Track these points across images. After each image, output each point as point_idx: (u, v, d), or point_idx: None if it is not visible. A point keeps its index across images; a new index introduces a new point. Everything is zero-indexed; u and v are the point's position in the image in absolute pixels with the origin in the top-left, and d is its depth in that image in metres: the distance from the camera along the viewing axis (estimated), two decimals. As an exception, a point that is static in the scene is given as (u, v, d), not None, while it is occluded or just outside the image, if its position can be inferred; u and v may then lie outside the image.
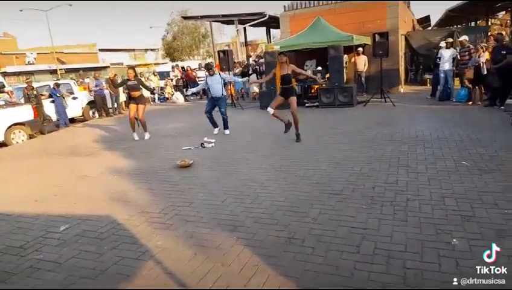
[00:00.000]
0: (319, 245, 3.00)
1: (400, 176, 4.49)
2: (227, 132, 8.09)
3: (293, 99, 6.70)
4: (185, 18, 30.08)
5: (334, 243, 3.02)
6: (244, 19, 17.95)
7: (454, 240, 2.90)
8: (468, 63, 9.49)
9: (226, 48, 20.85)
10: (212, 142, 7.11)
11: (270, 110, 6.77)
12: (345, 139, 6.70)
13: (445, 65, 10.08)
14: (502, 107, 8.25)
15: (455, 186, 4.01)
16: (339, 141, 6.55)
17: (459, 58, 10.04)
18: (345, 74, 11.21)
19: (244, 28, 20.10)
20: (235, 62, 16.30)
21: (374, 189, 4.12)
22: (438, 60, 10.48)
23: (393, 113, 9.17)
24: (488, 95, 9.16)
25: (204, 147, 6.95)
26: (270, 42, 21.59)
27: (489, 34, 13.03)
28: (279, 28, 15.77)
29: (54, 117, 11.72)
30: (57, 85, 11.85)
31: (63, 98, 11.74)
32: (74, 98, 12.68)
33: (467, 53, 9.80)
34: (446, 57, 10.09)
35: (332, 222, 3.39)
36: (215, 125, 8.22)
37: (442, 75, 10.20)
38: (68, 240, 3.51)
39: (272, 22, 18.58)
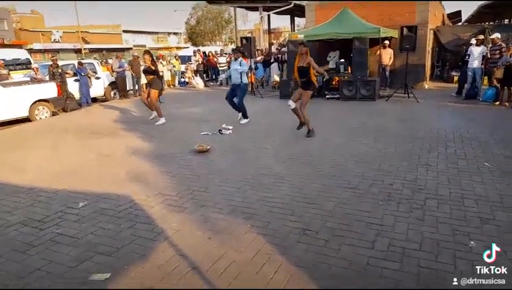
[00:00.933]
0: (333, 238, 2.99)
1: (419, 173, 4.41)
2: (243, 121, 7.91)
3: (306, 94, 6.38)
4: (210, 2, 29.97)
5: (349, 237, 3.00)
6: (269, 6, 17.75)
7: (472, 242, 2.84)
8: (498, 62, 9.14)
9: (249, 34, 20.69)
10: (230, 129, 7.12)
11: (292, 104, 6.48)
12: (364, 133, 6.60)
13: (474, 63, 9.73)
14: (531, 109, 7.95)
15: (476, 187, 3.91)
16: (358, 135, 6.46)
17: (489, 56, 9.67)
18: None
19: (268, 16, 19.91)
20: (257, 49, 16.19)
21: (392, 185, 4.07)
22: (467, 57, 10.13)
23: (416, 109, 8.96)
24: (517, 96, 8.83)
25: (222, 134, 6.98)
26: (294, 31, 21.33)
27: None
28: (304, 17, 15.53)
29: (77, 95, 11.95)
30: (81, 64, 12.04)
31: (89, 77, 11.94)
32: (97, 78, 12.87)
33: (497, 51, 9.43)
34: (476, 54, 9.74)
35: (347, 216, 3.37)
36: (238, 110, 8.11)
37: (470, 73, 9.86)
38: (86, 216, 3.61)
39: (296, 10, 18.32)
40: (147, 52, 8.58)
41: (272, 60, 15.37)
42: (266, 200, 3.81)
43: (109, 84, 13.36)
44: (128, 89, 13.79)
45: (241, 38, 13.47)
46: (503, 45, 9.50)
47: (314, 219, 3.35)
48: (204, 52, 19.03)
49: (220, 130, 7.07)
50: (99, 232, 3.27)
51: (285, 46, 14.42)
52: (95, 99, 12.91)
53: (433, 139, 6.00)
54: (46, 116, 9.99)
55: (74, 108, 11.42)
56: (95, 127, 8.29)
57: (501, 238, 2.87)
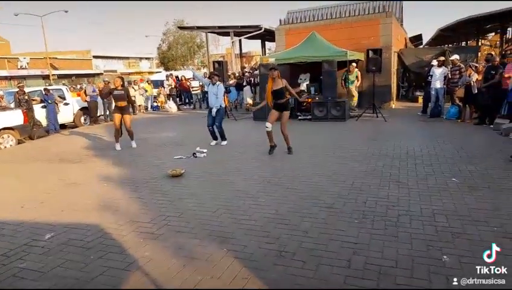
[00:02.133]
0: (310, 259, 2.97)
1: (391, 191, 4.50)
2: (223, 143, 8.03)
3: (286, 115, 6.67)
4: (181, 28, 30.34)
5: (325, 257, 2.99)
6: (239, 31, 18.14)
7: (445, 256, 2.90)
8: (459, 82, 9.66)
9: (221, 58, 20.94)
10: (204, 152, 7.07)
11: (269, 125, 6.65)
12: (336, 153, 6.72)
13: (437, 83, 10.25)
14: (491, 126, 8.38)
15: (445, 202, 4.03)
16: (331, 155, 6.57)
17: (449, 76, 10.22)
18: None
19: (240, 40, 20.29)
20: (232, 73, 16.38)
21: (366, 203, 4.12)
22: (429, 77, 10.66)
23: (385, 128, 9.25)
24: (477, 114, 9.31)
25: (196, 157, 6.91)
26: (265, 54, 21.79)
27: (479, 54, 13.33)
28: (274, 41, 15.93)
29: (44, 122, 11.57)
30: (47, 90, 11.69)
31: (56, 104, 11.61)
32: (66, 104, 12.55)
33: (457, 72, 9.99)
34: (437, 75, 10.27)
35: (323, 236, 3.37)
36: (214, 138, 8.16)
37: (433, 92, 10.35)
38: (53, 248, 3.43)
39: (267, 35, 18.81)
40: (120, 77, 8.54)
41: (244, 84, 15.57)
42: (242, 223, 3.77)
43: (79, 110, 13.06)
44: (98, 114, 13.52)
45: (214, 62, 13.61)
46: (462, 66, 10.08)
47: (291, 239, 3.32)
48: (177, 77, 19.05)
49: (194, 154, 7.00)
50: (67, 265, 3.11)
51: (257, 70, 14.67)
52: (64, 126, 12.55)
53: (403, 156, 6.18)
54: (11, 145, 9.58)
55: (41, 135, 11.03)
56: (63, 154, 8.01)
57: (473, 252, 2.94)
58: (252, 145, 7.78)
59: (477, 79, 8.87)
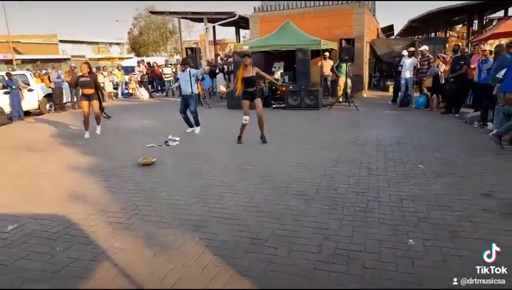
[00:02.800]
0: (282, 245, 3.00)
1: (361, 178, 4.60)
2: (197, 130, 7.93)
3: (259, 101, 6.64)
4: (153, 13, 29.48)
5: (297, 243, 3.03)
6: (213, 18, 17.82)
7: (410, 240, 3.00)
8: (427, 72, 9.95)
9: (194, 45, 20.55)
10: (176, 141, 6.96)
11: (247, 118, 6.55)
12: (309, 141, 6.79)
13: (406, 73, 10.51)
14: (457, 115, 8.71)
15: (412, 189, 4.16)
16: (304, 143, 6.63)
17: (419, 66, 10.50)
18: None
19: (214, 27, 19.96)
20: (206, 60, 16.11)
21: (337, 190, 4.20)
22: (399, 67, 10.91)
23: (357, 117, 9.42)
24: (444, 103, 9.64)
25: (168, 145, 6.79)
26: (239, 42, 21.57)
27: (447, 45, 13.74)
28: (248, 29, 15.78)
29: (7, 109, 11.01)
30: (10, 75, 11.10)
31: (20, 89, 11.05)
32: (30, 90, 11.98)
33: (426, 62, 10.26)
34: (407, 65, 10.53)
35: (295, 223, 3.41)
36: (190, 125, 8.06)
37: (403, 82, 10.62)
38: (16, 240, 3.29)
39: (241, 22, 18.58)
40: (86, 62, 8.21)
41: (217, 71, 15.37)
42: (214, 211, 3.75)
43: (44, 96, 12.50)
44: (65, 101, 13.02)
45: (186, 48, 13.33)
46: (431, 56, 10.36)
47: (263, 227, 3.34)
48: (148, 63, 18.56)
49: (166, 142, 6.88)
50: (31, 257, 2.99)
51: (231, 57, 14.51)
52: (28, 113, 11.99)
53: (373, 144, 6.33)
54: (-30, 133, 9.08)
55: (4, 122, 10.49)
56: (28, 142, 7.66)
57: (437, 235, 3.06)
58: (225, 134, 7.72)
59: (444, 70, 9.16)
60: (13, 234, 3.42)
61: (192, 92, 7.80)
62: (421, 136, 6.76)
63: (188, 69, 7.85)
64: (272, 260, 2.81)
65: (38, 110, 12.42)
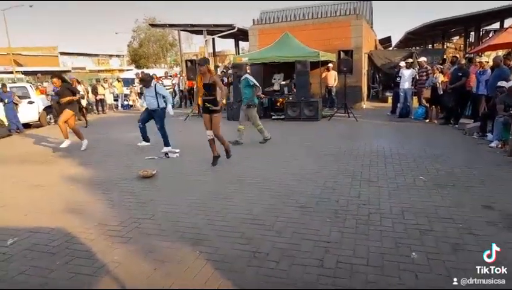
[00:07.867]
0: (283, 259, 2.97)
1: (362, 189, 4.59)
2: (165, 149, 7.00)
3: (215, 118, 5.93)
4: (153, 26, 29.78)
5: (298, 256, 3.00)
6: (212, 30, 17.97)
7: (413, 253, 2.98)
8: (426, 83, 10.01)
9: (194, 57, 20.70)
10: (177, 152, 6.95)
11: (209, 133, 6.03)
12: (309, 152, 6.78)
13: (405, 84, 10.57)
14: (456, 126, 8.74)
15: (413, 200, 4.14)
16: (304, 154, 6.62)
17: (417, 78, 10.56)
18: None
19: (213, 39, 20.12)
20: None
21: (338, 202, 4.18)
22: (398, 78, 10.98)
23: (356, 128, 9.44)
24: (443, 114, 9.68)
25: (168, 157, 6.78)
26: (239, 54, 21.74)
27: (445, 57, 13.86)
28: (247, 41, 15.91)
29: (7, 122, 10.99)
30: (4, 86, 10.85)
31: (15, 104, 10.89)
32: (30, 102, 12.00)
33: (424, 73, 10.34)
34: (406, 76, 10.59)
35: (296, 235, 3.38)
36: (145, 138, 7.57)
37: (401, 93, 10.67)
38: (16, 254, 3.25)
39: (240, 35, 18.75)
40: (55, 75, 8.29)
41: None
42: (215, 224, 3.72)
43: (44, 109, 12.51)
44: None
45: (186, 61, 13.42)
46: (429, 67, 10.45)
47: (264, 240, 3.31)
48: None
49: (166, 154, 6.87)
50: (30, 272, 2.95)
51: (230, 69, 14.60)
52: (28, 125, 11.99)
53: (373, 155, 6.33)
54: (-31, 145, 9.06)
55: (3, 135, 10.48)
56: (26, 154, 7.65)
57: (439, 248, 3.04)
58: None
59: (442, 80, 9.22)
60: (12, 248, 3.38)
61: (158, 106, 7.12)
62: (421, 147, 6.76)
63: (153, 84, 7.19)
64: (274, 274, 2.77)
65: (38, 122, 12.42)
